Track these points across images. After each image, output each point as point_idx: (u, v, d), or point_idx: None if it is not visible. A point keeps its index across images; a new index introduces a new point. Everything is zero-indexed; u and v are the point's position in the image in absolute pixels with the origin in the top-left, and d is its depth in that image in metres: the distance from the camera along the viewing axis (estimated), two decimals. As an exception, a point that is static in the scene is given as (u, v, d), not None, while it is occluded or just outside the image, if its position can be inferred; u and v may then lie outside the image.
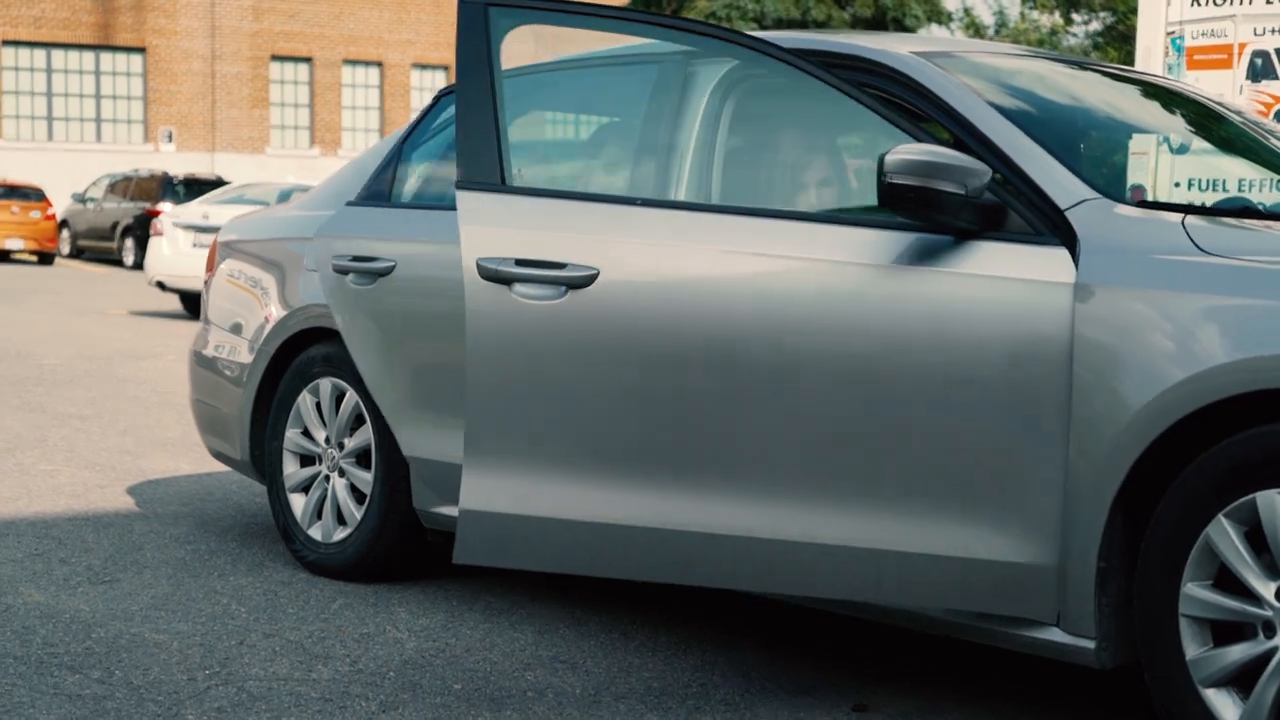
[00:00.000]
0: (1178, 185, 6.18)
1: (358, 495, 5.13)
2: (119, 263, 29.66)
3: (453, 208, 4.86)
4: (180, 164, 35.66)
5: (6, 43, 36.45)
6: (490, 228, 3.67)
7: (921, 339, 3.47)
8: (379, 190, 5.32)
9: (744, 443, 3.55)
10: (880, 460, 3.51)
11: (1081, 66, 4.66)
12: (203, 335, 5.91)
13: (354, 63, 40.21)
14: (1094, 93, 4.49)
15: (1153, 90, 4.66)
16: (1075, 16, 16.87)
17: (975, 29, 24.17)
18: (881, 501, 3.49)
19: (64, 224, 31.20)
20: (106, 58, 37.65)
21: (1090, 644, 3.40)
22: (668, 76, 4.56)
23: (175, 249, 17.26)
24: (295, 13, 39.20)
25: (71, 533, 5.78)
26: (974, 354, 3.44)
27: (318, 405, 5.26)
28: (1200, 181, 6.09)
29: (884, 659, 4.41)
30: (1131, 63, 14.86)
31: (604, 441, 3.62)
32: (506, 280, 3.62)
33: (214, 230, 17.01)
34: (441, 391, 4.75)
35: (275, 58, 39.26)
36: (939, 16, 29.77)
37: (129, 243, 29.18)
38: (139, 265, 28.72)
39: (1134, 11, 14.92)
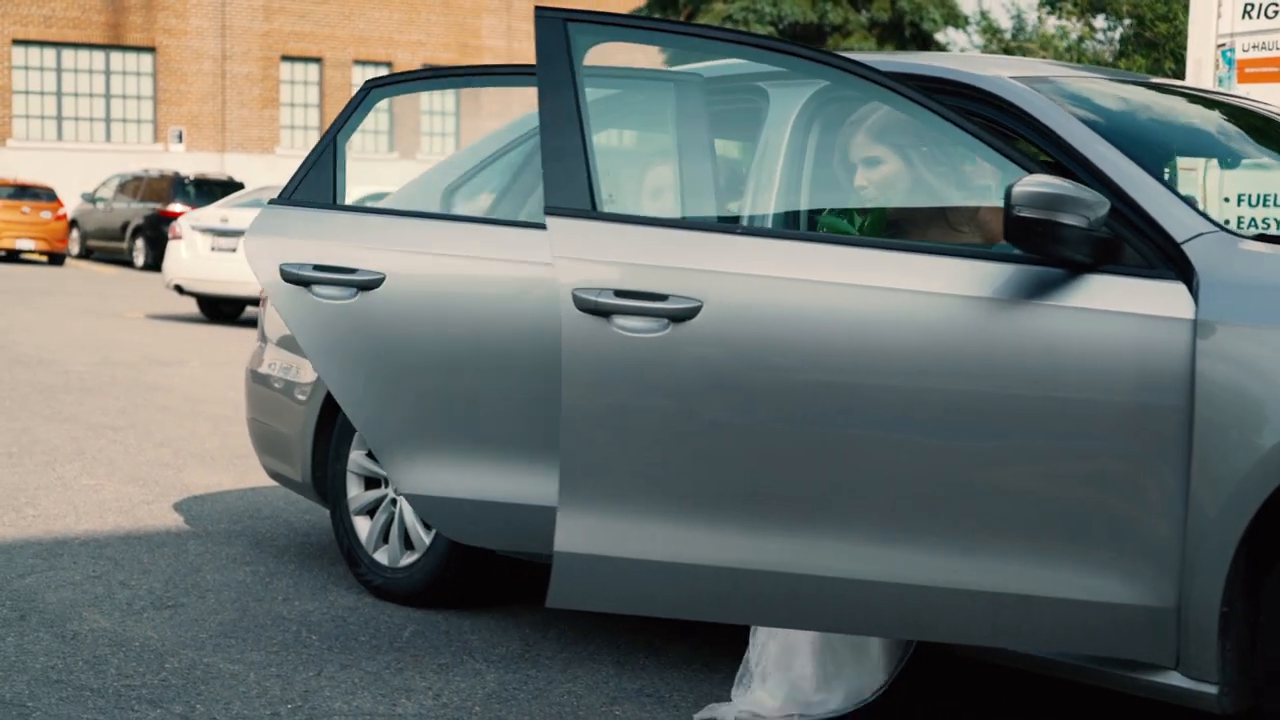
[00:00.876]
0: (1227, 200, 6.11)
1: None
2: (129, 263, 29.58)
3: (452, 219, 4.75)
4: (190, 164, 35.53)
5: (16, 42, 36.35)
6: (586, 256, 3.55)
7: (1036, 375, 3.38)
8: (317, 190, 4.83)
9: (854, 482, 3.45)
10: (996, 500, 3.42)
11: (1171, 90, 4.57)
12: (259, 353, 5.81)
13: (364, 63, 40.08)
14: (1191, 117, 4.40)
15: (1248, 115, 4.57)
16: (1096, 23, 16.75)
17: (992, 33, 24.09)
18: (997, 543, 3.40)
19: (73, 224, 31.08)
20: (116, 57, 37.52)
21: (1212, 689, 3.31)
22: (744, 97, 4.48)
23: (194, 252, 17.17)
24: (306, 13, 39.06)
25: (126, 553, 5.69)
26: (1090, 391, 3.35)
27: (384, 427, 5.16)
28: (1250, 197, 6.02)
29: (971, 693, 4.34)
30: (1159, 71, 14.76)
31: (709, 481, 3.50)
32: (605, 312, 3.49)
33: (233, 234, 16.93)
34: (450, 420, 4.47)
35: (285, 58, 39.13)
36: (956, 20, 29.68)
37: (139, 243, 29.09)
38: (149, 266, 28.64)
39: (1161, 19, 14.83)
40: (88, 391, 10.59)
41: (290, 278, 4.61)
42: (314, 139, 39.60)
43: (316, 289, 4.58)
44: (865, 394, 3.44)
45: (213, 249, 17.09)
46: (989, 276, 3.43)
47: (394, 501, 5.14)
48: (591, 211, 3.56)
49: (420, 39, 40.51)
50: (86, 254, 31.29)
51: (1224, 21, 8.17)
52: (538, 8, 3.74)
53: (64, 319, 16.74)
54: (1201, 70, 8.17)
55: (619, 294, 3.49)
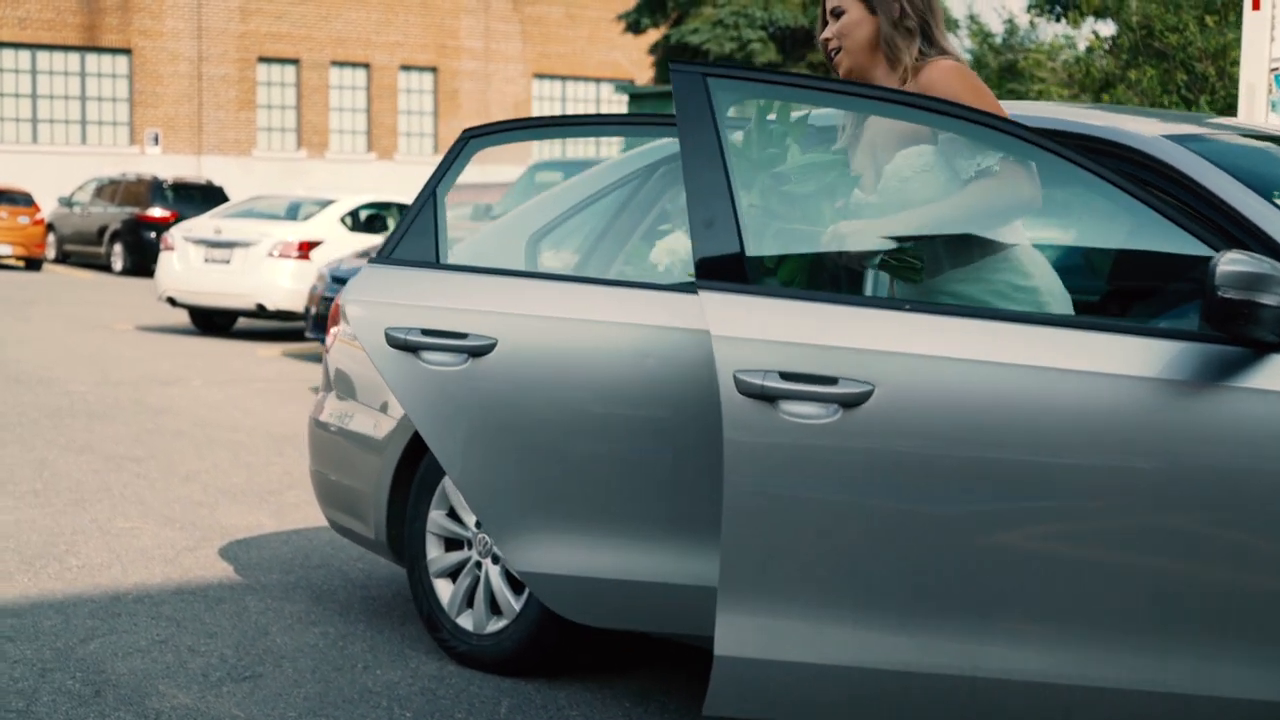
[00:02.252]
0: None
1: (514, 583, 4.81)
2: (107, 268, 29.19)
3: (566, 279, 4.49)
4: (166, 166, 35.08)
5: (-10, 44, 35.95)
6: (747, 335, 3.33)
7: (1222, 461, 3.19)
8: (419, 248, 4.58)
9: (1033, 575, 3.26)
10: (1183, 592, 3.23)
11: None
12: (323, 402, 5.58)
13: (341, 64, 39.68)
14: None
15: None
16: (1101, 29, 16.61)
17: (984, 37, 23.97)
18: (1176, 639, 3.21)
19: (49, 228, 30.61)
20: (92, 59, 37.02)
21: None
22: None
23: (187, 264, 16.89)
24: (282, 14, 38.61)
25: (184, 611, 5.46)
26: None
27: (466, 486, 4.93)
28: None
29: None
30: (1170, 82, 14.61)
31: (883, 578, 3.29)
32: (771, 398, 3.28)
33: (226, 245, 16.67)
34: (567, 493, 4.25)
35: (262, 59, 38.67)
36: (946, 24, 29.43)
37: (118, 248, 28.70)
38: (128, 271, 28.30)
39: (1171, 29, 14.70)
40: (95, 416, 10.34)
41: (397, 343, 4.37)
42: (291, 141, 39.22)
43: (425, 355, 4.35)
44: (1046, 482, 3.24)
45: (206, 260, 16.82)
46: (1172, 357, 3.24)
47: (478, 565, 4.91)
48: (749, 286, 3.35)
49: (398, 40, 40.15)
50: (63, 258, 30.86)
51: (1277, 45, 8.02)
52: (672, 63, 3.53)
53: (54, 332, 16.42)
54: (1255, 95, 8.02)
55: (785, 377, 3.28)
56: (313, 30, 39.05)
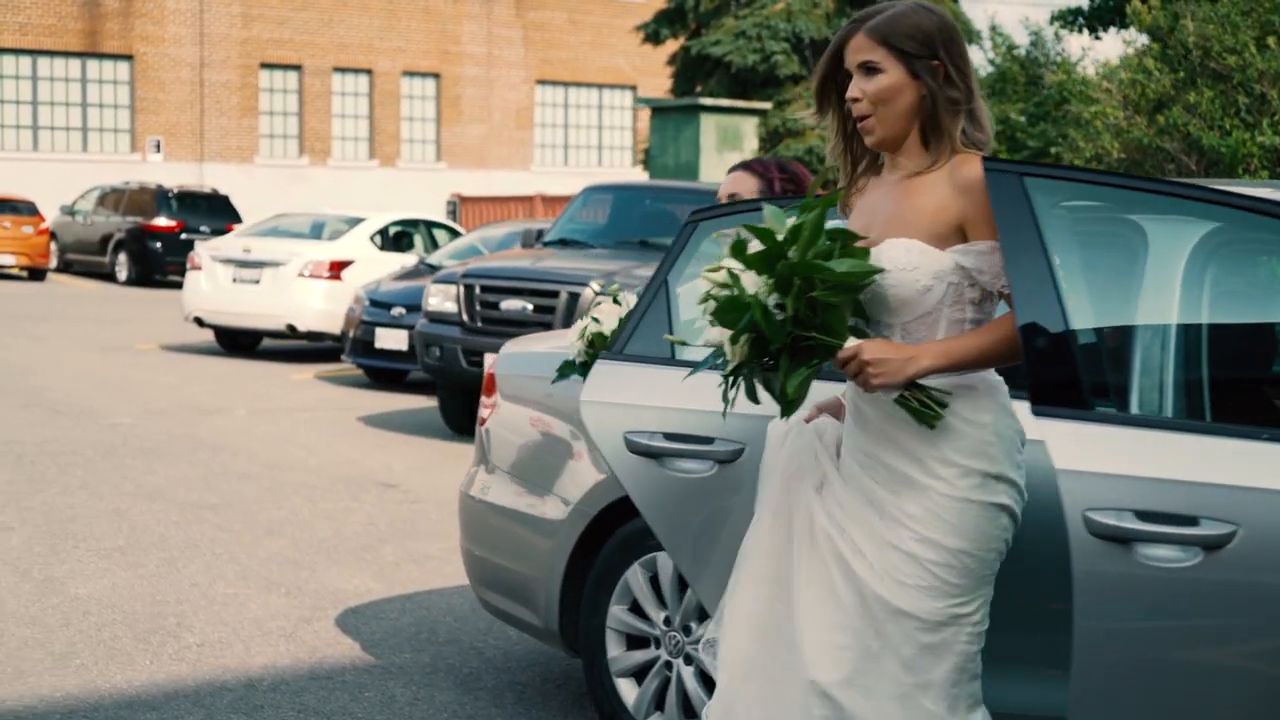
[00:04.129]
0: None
1: (711, 686, 4.47)
2: (110, 277, 28.84)
3: None
4: (168, 174, 34.61)
5: (-9, 50, 35.45)
6: (1097, 470, 3.01)
7: None
8: (653, 342, 4.28)
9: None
10: None
11: None
12: (478, 477, 5.22)
13: (343, 70, 39.23)
14: None
15: None
16: (1131, 38, 16.30)
17: (1008, 49, 23.73)
18: None
19: (52, 236, 30.20)
20: (93, 65, 36.50)
21: None
22: (1109, 229, 3.97)
23: (215, 284, 16.54)
24: (284, 20, 38.14)
25: (329, 702, 5.13)
26: None
27: (653, 580, 4.60)
28: None
29: None
30: (1232, 105, 14.31)
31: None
32: (1126, 539, 2.97)
33: (255, 265, 16.32)
34: None
35: (264, 65, 38.18)
36: (969, 36, 29.26)
37: (122, 257, 28.37)
38: (133, 281, 27.99)
39: (1229, 51, 14.41)
40: (152, 455, 9.99)
41: (637, 449, 4.07)
42: (293, 148, 38.78)
43: (668, 461, 4.05)
44: None
45: (234, 280, 16.48)
46: None
47: (669, 665, 4.58)
48: (1088, 411, 3.03)
49: (400, 45, 39.73)
50: (65, 267, 30.47)
51: None
52: (986, 160, 3.16)
53: (77, 354, 16.03)
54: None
55: (1141, 516, 2.96)
56: (315, 36, 38.62)
